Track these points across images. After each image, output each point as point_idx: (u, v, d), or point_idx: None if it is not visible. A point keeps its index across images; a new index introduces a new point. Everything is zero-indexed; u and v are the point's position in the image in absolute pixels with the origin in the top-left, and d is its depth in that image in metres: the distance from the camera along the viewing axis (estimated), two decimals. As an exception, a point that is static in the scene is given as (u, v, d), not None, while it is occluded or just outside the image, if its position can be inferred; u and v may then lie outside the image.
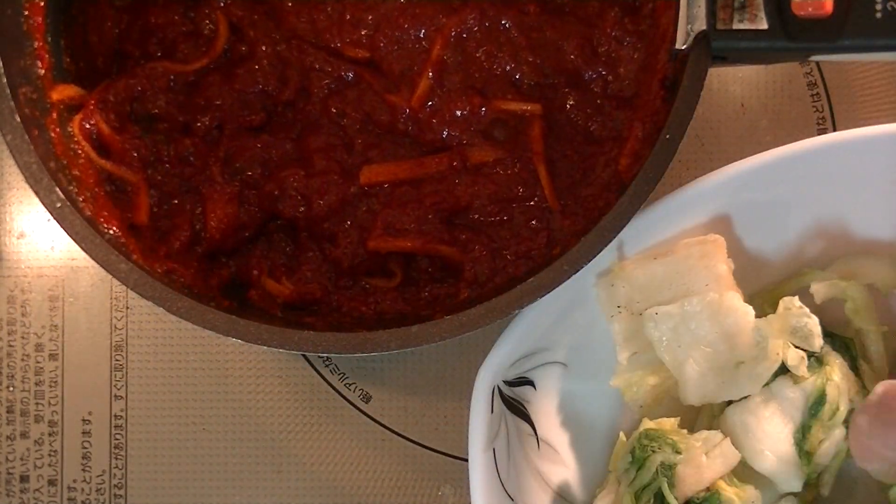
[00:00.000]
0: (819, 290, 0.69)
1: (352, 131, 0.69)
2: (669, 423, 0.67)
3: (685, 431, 0.67)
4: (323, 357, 0.78)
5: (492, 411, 0.66)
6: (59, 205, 0.61)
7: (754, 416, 0.66)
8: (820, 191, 0.69)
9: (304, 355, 0.78)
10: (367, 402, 0.78)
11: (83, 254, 0.60)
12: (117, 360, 0.78)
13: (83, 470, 0.78)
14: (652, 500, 0.65)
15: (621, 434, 0.69)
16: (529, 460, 0.69)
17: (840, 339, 0.70)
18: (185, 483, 0.78)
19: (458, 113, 0.68)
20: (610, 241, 0.61)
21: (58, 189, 0.61)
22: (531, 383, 0.69)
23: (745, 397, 0.67)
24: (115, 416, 0.78)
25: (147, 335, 0.78)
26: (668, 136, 0.60)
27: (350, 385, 0.78)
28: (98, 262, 0.61)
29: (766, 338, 0.65)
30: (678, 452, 0.65)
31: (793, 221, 0.70)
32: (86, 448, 0.78)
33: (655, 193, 0.61)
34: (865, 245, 0.71)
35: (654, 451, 0.65)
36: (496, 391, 0.67)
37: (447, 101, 0.68)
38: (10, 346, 0.78)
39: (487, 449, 0.66)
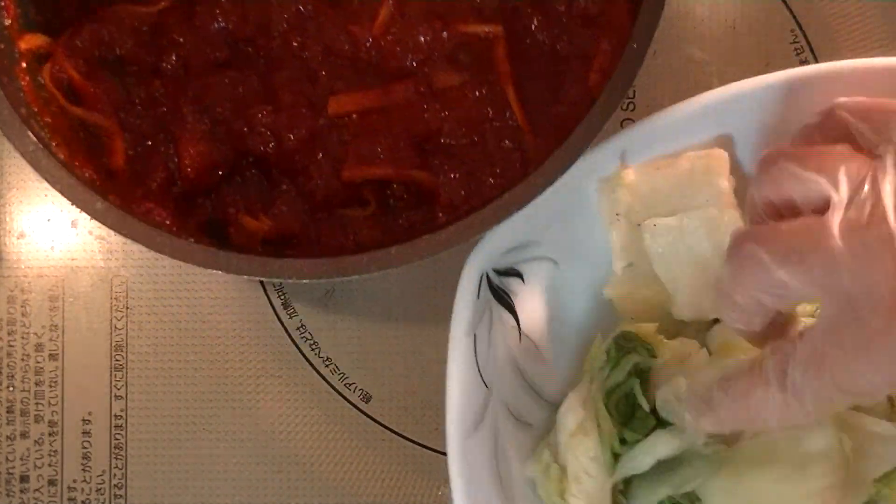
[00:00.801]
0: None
1: (314, 64, 0.69)
2: (647, 328, 0.66)
3: (662, 337, 0.66)
4: (323, 357, 0.78)
5: (478, 297, 0.65)
6: (32, 148, 0.61)
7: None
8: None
9: (305, 357, 0.78)
10: (367, 402, 0.78)
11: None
12: (117, 360, 0.78)
13: (83, 470, 0.78)
14: (624, 401, 0.64)
15: (599, 334, 0.68)
16: (510, 352, 0.68)
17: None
18: (185, 483, 0.78)
19: (421, 39, 0.68)
20: (582, 153, 0.61)
21: (30, 133, 0.61)
22: (520, 275, 0.68)
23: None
24: (115, 416, 0.78)
25: (147, 335, 0.78)
26: (634, 46, 0.61)
27: (350, 385, 0.78)
28: (75, 204, 0.60)
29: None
30: (653, 357, 0.64)
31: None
32: (86, 448, 0.78)
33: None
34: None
35: (628, 352, 0.64)
36: (485, 277, 0.66)
37: (409, 28, 0.68)
38: (10, 346, 0.78)
39: (469, 333, 0.65)
